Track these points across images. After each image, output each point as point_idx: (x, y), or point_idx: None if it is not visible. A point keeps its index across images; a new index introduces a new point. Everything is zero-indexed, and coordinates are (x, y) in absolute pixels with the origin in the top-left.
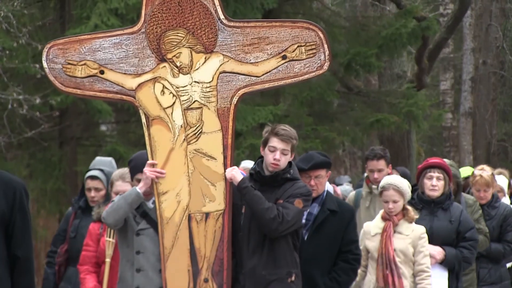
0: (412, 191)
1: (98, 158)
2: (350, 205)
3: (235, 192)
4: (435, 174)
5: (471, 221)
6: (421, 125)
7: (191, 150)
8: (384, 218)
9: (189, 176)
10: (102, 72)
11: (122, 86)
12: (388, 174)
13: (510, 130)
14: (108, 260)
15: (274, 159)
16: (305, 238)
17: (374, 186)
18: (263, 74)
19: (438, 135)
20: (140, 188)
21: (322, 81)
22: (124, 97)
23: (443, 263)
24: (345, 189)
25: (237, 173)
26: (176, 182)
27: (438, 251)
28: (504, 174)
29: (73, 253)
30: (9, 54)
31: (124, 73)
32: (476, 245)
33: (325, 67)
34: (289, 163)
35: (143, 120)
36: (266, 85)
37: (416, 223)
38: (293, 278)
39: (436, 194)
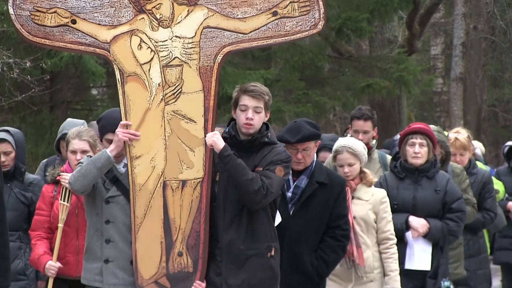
0: (395, 159)
1: (69, 119)
2: (342, 176)
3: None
4: (418, 140)
5: (458, 191)
6: (412, 90)
7: (169, 111)
8: None
9: (165, 139)
10: (74, 22)
11: (96, 38)
12: (374, 137)
13: (500, 95)
14: (61, 225)
15: (247, 118)
16: (291, 213)
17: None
18: (251, 31)
19: (429, 100)
20: (111, 151)
21: (313, 46)
22: (97, 50)
23: (427, 236)
24: None
25: (218, 139)
26: (151, 145)
27: (421, 224)
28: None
29: None
30: None
31: (98, 24)
32: (463, 217)
33: (320, 26)
34: (266, 125)
35: (118, 76)
36: (254, 44)
37: (398, 193)
38: (272, 253)
39: (419, 161)
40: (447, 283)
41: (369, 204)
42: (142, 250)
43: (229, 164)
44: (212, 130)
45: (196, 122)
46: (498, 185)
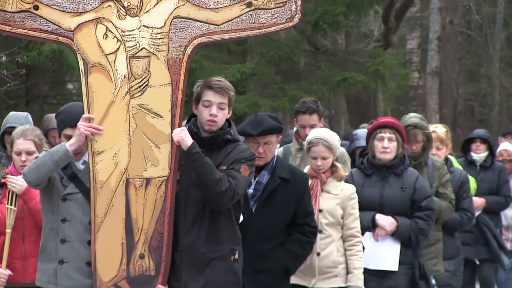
0: (362, 155)
1: (12, 113)
2: (304, 172)
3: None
4: (387, 134)
5: (428, 189)
6: (388, 84)
7: (134, 105)
8: (310, 176)
9: (130, 134)
10: (36, 8)
11: (59, 26)
12: None
13: (477, 89)
14: (8, 231)
15: (211, 115)
16: (253, 210)
17: (305, 143)
18: (223, 23)
19: (405, 95)
20: (70, 145)
21: (289, 40)
22: (60, 38)
23: (395, 235)
24: None
25: (186, 135)
26: (114, 140)
27: (389, 222)
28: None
29: None
30: None
31: (62, 11)
32: (433, 216)
33: (296, 19)
34: (228, 121)
35: (81, 67)
36: (226, 36)
37: (365, 190)
38: (236, 256)
39: (388, 157)
40: (433, 281)
41: (338, 199)
42: (101, 251)
43: (197, 162)
44: (180, 125)
45: (162, 117)
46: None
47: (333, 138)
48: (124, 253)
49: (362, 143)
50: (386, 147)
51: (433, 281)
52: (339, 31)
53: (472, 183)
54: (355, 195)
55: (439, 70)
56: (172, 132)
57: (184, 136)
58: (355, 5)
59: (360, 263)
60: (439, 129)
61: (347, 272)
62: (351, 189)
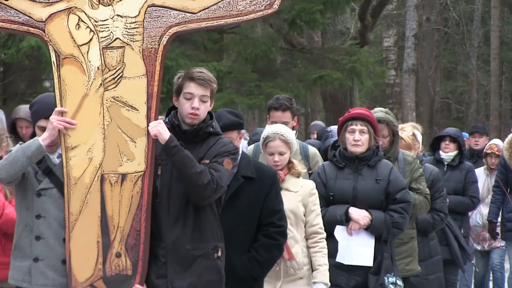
0: (334, 148)
1: None
2: (272, 169)
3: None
4: (358, 127)
5: (403, 181)
6: (364, 81)
7: (109, 98)
8: None
9: (104, 128)
10: None
11: (30, 16)
12: (294, 128)
13: (453, 87)
14: None
15: (193, 108)
16: None
17: (261, 138)
18: (200, 11)
19: (381, 92)
20: (43, 139)
21: (266, 38)
22: (31, 29)
23: (369, 229)
24: None
25: (163, 129)
26: (88, 135)
27: (363, 216)
28: (417, 128)
29: None
30: None
31: (33, 1)
32: (408, 208)
33: (275, 6)
34: (210, 114)
35: (53, 58)
36: (203, 24)
37: (337, 183)
38: (219, 254)
39: (359, 150)
40: (392, 279)
41: (298, 196)
42: (76, 250)
43: (176, 156)
44: (156, 118)
45: (138, 110)
46: None
47: (290, 133)
48: (100, 252)
49: None
50: (358, 139)
51: (391, 279)
52: (316, 28)
53: None
54: (315, 191)
55: (415, 68)
56: (148, 126)
57: (161, 130)
58: (332, 3)
59: (325, 259)
60: (404, 134)
61: (312, 271)
62: (310, 184)
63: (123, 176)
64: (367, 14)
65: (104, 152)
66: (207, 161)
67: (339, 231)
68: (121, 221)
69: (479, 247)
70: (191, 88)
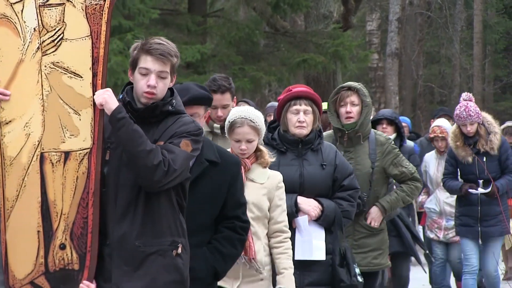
0: (272, 128)
1: None
2: (235, 156)
3: (106, 125)
4: (302, 107)
5: (349, 166)
6: (348, 65)
7: (48, 64)
8: None
9: (43, 99)
10: None
11: None
12: None
13: (436, 71)
14: None
15: (149, 86)
16: None
17: (216, 125)
18: None
19: (365, 76)
20: None
21: (249, 21)
22: None
23: (320, 220)
24: None
25: (110, 97)
26: (25, 107)
27: (313, 206)
28: None
29: None
30: None
31: None
32: (356, 196)
33: None
34: (170, 90)
35: None
36: None
37: (283, 170)
38: (179, 251)
39: (304, 132)
40: (357, 270)
41: (264, 188)
42: (14, 241)
43: (123, 129)
44: (103, 86)
45: (82, 77)
46: None
47: (259, 117)
48: (41, 243)
49: None
50: (302, 121)
51: (357, 270)
52: (299, 11)
53: None
54: (282, 184)
55: (399, 52)
56: (94, 95)
57: (107, 98)
58: None
59: (290, 262)
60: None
61: (274, 274)
62: (278, 176)
63: (66, 154)
64: None
65: (43, 127)
66: (162, 143)
67: (298, 224)
68: (65, 207)
69: (432, 235)
70: (148, 62)
